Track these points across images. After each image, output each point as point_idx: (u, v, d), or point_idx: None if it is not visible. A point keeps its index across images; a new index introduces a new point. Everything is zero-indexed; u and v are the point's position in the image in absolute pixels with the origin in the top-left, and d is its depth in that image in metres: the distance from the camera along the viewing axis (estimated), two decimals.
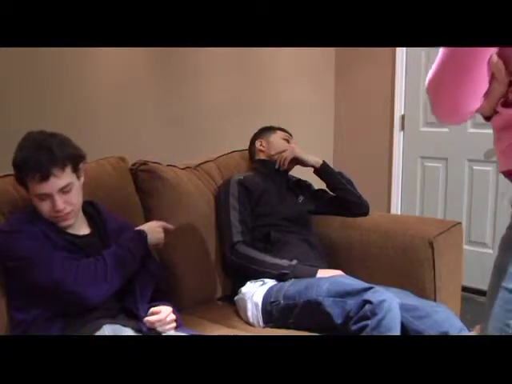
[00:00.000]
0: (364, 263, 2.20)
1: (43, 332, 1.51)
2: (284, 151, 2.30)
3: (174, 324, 1.63)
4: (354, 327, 1.69)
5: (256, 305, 1.92)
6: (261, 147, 2.36)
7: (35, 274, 1.51)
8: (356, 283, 1.81)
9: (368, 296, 1.69)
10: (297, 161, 2.31)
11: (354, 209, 2.30)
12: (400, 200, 3.51)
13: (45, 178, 1.51)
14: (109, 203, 1.83)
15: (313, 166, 2.30)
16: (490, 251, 3.12)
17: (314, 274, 1.95)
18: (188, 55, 2.73)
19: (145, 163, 2.09)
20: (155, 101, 2.66)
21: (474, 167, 3.19)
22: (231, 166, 2.38)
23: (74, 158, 1.58)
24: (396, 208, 3.51)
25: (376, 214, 2.39)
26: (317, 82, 3.52)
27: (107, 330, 1.50)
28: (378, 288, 1.73)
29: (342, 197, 2.30)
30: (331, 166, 2.33)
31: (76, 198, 1.60)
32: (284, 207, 2.20)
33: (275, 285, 1.95)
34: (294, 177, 2.42)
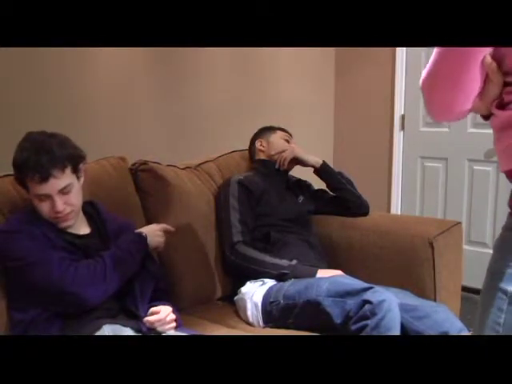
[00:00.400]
0: (364, 263, 2.20)
1: (42, 332, 1.51)
2: (284, 151, 2.30)
3: (174, 324, 1.63)
4: (353, 327, 1.69)
5: (256, 305, 1.92)
6: (261, 147, 2.36)
7: (34, 274, 1.51)
8: (356, 283, 1.81)
9: (368, 296, 1.69)
10: (297, 161, 2.31)
11: (354, 209, 2.30)
12: (400, 200, 3.51)
13: (44, 178, 1.51)
14: (109, 203, 1.83)
15: (313, 166, 2.30)
16: (490, 251, 3.08)
17: (313, 274, 1.95)
18: (188, 55, 2.73)
19: (145, 163, 2.09)
20: (155, 101, 2.66)
21: (474, 167, 3.19)
22: (231, 166, 2.38)
23: (73, 159, 1.58)
24: (396, 208, 3.51)
25: (376, 213, 2.39)
26: (317, 82, 3.52)
27: (107, 329, 1.50)
28: (377, 288, 1.73)
29: (341, 197, 2.30)
30: (331, 165, 2.33)
31: (76, 198, 1.60)
32: (284, 207, 2.21)
33: (275, 285, 1.95)
34: (293, 177, 2.42)
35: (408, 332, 1.80)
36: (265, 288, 1.95)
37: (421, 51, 3.25)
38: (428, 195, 3.40)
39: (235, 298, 2.03)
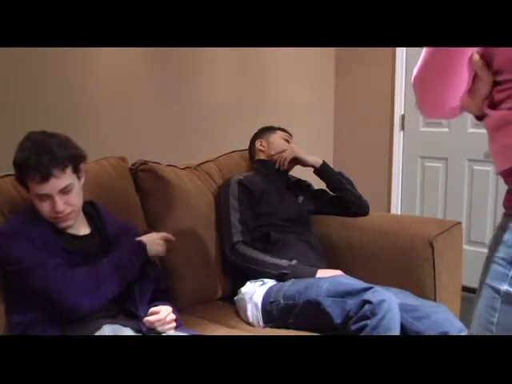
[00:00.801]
0: (364, 263, 2.20)
1: (41, 334, 1.50)
2: (284, 151, 2.30)
3: (174, 324, 1.63)
4: (353, 327, 1.69)
5: (256, 305, 1.92)
6: (261, 147, 2.36)
7: (31, 278, 1.51)
8: (356, 283, 1.81)
9: (368, 296, 1.69)
10: (297, 161, 2.31)
11: (354, 209, 2.30)
12: (400, 200, 3.51)
13: (45, 178, 1.51)
14: (109, 203, 1.83)
15: (313, 166, 2.30)
16: None
17: (313, 274, 1.95)
18: (188, 55, 2.73)
19: (145, 163, 2.09)
20: (155, 101, 2.66)
21: (474, 167, 3.19)
22: (231, 166, 2.38)
23: (74, 159, 1.58)
24: (396, 208, 3.51)
25: (376, 213, 2.39)
26: (317, 82, 3.52)
27: (107, 330, 1.50)
28: (377, 288, 1.73)
29: (341, 197, 2.30)
30: (331, 165, 2.33)
31: (76, 198, 1.60)
32: (284, 207, 2.21)
33: (275, 285, 1.95)
34: (293, 177, 2.42)
35: (408, 332, 1.80)
36: (265, 288, 1.95)
37: (421, 51, 3.25)
38: (428, 195, 3.40)
39: (235, 298, 2.03)
